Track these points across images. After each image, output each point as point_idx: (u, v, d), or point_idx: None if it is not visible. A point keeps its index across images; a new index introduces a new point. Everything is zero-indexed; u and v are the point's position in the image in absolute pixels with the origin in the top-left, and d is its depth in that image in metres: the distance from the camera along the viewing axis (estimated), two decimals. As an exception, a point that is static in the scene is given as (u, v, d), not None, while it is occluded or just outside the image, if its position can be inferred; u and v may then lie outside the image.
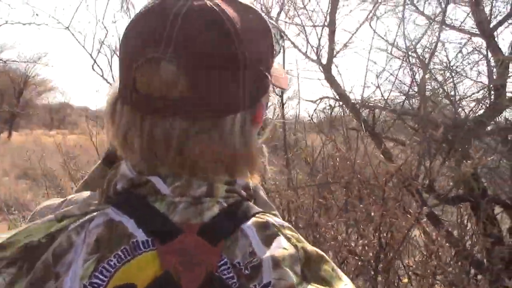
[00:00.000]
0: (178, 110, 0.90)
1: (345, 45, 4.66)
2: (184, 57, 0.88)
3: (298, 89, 7.96)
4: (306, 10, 4.85)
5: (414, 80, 4.58)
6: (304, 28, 4.86)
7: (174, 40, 0.89)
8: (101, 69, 4.46)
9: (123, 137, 0.95)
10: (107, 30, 4.53)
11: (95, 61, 4.47)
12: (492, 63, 5.36)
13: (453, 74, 4.66)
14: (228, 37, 0.90)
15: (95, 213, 0.93)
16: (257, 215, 0.95)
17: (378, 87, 4.63)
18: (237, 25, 0.91)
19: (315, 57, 4.75)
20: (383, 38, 4.69)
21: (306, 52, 4.83)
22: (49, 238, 0.91)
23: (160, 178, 0.93)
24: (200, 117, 0.90)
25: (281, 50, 1.02)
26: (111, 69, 4.23)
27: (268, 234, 0.92)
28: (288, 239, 0.93)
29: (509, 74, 5.29)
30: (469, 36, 5.40)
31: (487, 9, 5.43)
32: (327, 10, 4.68)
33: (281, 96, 5.19)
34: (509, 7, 5.58)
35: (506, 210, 4.78)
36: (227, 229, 0.91)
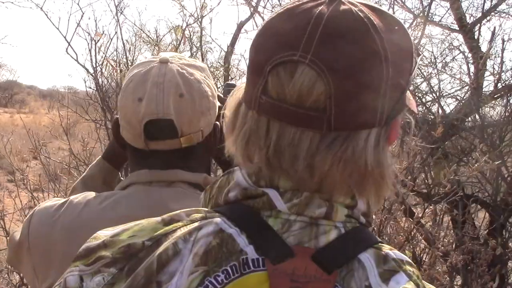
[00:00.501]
0: (312, 119, 0.85)
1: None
2: (325, 63, 0.83)
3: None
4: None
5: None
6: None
7: (315, 44, 0.83)
8: (76, 53, 4.25)
9: (244, 143, 0.91)
10: (83, 12, 4.31)
11: (69, 44, 4.25)
12: (471, 60, 5.36)
13: (437, 70, 4.61)
14: (373, 49, 0.84)
15: (204, 221, 0.89)
16: (376, 246, 0.89)
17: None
18: (384, 37, 0.86)
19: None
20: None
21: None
22: (154, 242, 0.88)
23: (278, 192, 0.88)
24: (333, 129, 0.85)
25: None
26: (90, 53, 4.02)
27: (387, 268, 0.87)
28: (409, 277, 0.87)
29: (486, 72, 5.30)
30: (449, 32, 5.39)
31: (465, 5, 5.42)
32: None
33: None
34: (488, 4, 5.58)
35: (484, 209, 4.80)
36: (343, 258, 0.86)
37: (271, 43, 0.88)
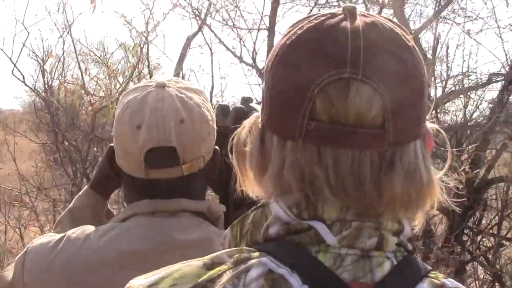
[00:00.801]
0: (373, 138, 0.81)
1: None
2: (378, 77, 0.80)
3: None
4: (240, 11, 4.71)
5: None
6: (237, 30, 4.72)
7: (362, 59, 0.80)
8: (22, 74, 4.09)
9: (286, 177, 0.85)
10: (28, 32, 4.16)
11: (15, 65, 4.10)
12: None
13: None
14: (415, 59, 0.84)
15: (249, 262, 0.82)
16: (431, 275, 0.86)
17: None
18: (414, 46, 0.85)
19: (250, 61, 4.62)
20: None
21: (240, 55, 4.70)
22: None
23: (325, 224, 0.82)
24: (392, 145, 0.82)
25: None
26: (42, 73, 3.87)
27: None
28: None
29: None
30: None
31: (408, 11, 5.51)
32: (262, 13, 4.57)
33: (210, 101, 5.02)
34: (430, 11, 5.69)
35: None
36: None
37: (309, 64, 0.83)
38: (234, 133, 0.96)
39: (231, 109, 1.59)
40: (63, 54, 4.26)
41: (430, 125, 0.90)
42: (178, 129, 1.36)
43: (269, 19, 4.45)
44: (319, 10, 4.65)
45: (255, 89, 5.51)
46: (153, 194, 1.40)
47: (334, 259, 0.82)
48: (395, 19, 4.64)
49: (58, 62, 3.99)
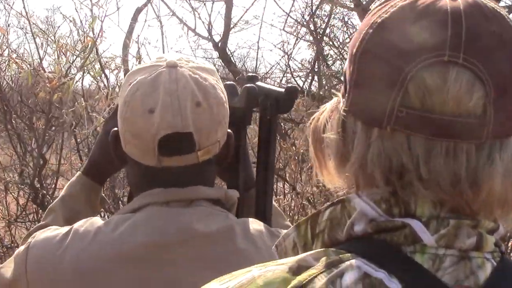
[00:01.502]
0: (471, 128, 0.74)
1: (247, 22, 4.45)
2: (481, 62, 0.73)
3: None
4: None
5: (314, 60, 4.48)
6: (190, 2, 4.57)
7: (464, 42, 0.73)
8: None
9: (371, 167, 0.77)
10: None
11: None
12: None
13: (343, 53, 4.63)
14: None
15: (342, 266, 0.75)
16: None
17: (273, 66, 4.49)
18: None
19: (206, 34, 4.50)
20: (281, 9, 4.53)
21: (195, 29, 4.56)
22: None
23: (421, 222, 0.75)
24: (491, 138, 0.75)
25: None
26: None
27: None
28: None
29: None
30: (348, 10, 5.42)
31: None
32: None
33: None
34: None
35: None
36: None
37: (404, 45, 0.76)
38: (312, 118, 0.88)
39: (238, 88, 1.51)
40: (8, 27, 4.02)
41: None
42: (194, 113, 1.26)
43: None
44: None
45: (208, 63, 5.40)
46: (166, 182, 1.30)
47: (433, 261, 0.75)
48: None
49: (3, 36, 3.76)
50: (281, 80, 4.72)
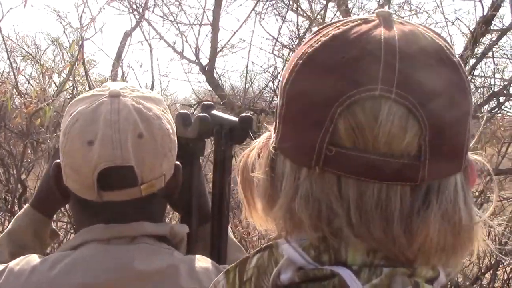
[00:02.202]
0: (405, 170, 0.68)
1: (233, 46, 4.40)
2: (415, 97, 0.68)
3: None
4: (181, 5, 4.52)
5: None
6: (178, 25, 4.53)
7: (397, 75, 0.67)
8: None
9: (298, 210, 0.71)
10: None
11: None
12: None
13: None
14: (459, 76, 0.71)
15: None
16: None
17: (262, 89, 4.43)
18: (459, 61, 0.73)
19: (193, 58, 4.45)
20: (268, 34, 4.48)
21: (182, 52, 4.51)
22: None
23: (351, 270, 0.69)
24: (427, 179, 0.69)
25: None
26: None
27: None
28: None
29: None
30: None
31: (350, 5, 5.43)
32: (204, 7, 4.39)
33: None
34: (374, 3, 5.64)
35: None
36: None
37: (333, 78, 0.70)
38: (242, 154, 0.82)
39: (192, 118, 1.44)
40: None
41: (473, 156, 0.77)
42: (136, 145, 1.19)
43: (212, 14, 4.28)
44: (265, 4, 4.54)
45: (196, 87, 5.36)
46: (108, 217, 1.23)
47: None
48: (339, 14, 4.54)
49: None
50: (270, 103, 4.66)
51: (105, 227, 1.22)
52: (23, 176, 3.89)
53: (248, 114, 1.40)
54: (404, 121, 0.68)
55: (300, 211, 0.71)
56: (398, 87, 0.67)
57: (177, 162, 1.29)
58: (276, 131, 0.77)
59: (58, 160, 1.28)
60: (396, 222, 0.69)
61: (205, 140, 1.45)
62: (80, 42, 3.22)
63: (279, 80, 4.93)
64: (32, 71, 4.41)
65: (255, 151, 0.81)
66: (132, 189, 1.21)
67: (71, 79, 3.72)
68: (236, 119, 1.39)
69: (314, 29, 5.08)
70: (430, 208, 0.69)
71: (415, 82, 0.68)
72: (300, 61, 0.74)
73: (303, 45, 0.76)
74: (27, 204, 1.52)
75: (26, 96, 3.76)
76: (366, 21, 0.73)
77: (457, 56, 0.73)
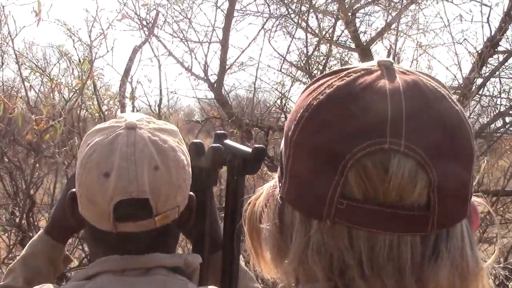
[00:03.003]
0: (415, 220, 0.70)
1: (242, 64, 4.43)
2: (423, 149, 0.69)
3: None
4: (190, 23, 4.56)
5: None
6: (187, 43, 4.56)
7: (405, 127, 0.69)
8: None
9: (310, 261, 0.72)
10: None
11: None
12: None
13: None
14: (464, 124, 0.73)
15: None
16: None
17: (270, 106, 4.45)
18: (462, 109, 0.75)
19: (202, 74, 4.48)
20: (277, 52, 4.49)
21: (191, 69, 4.54)
22: None
23: None
24: (436, 228, 0.71)
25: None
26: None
27: None
28: None
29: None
30: (348, 50, 5.42)
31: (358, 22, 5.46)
32: (213, 25, 4.43)
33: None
34: (382, 21, 5.67)
35: None
36: None
37: (341, 131, 0.71)
38: (248, 202, 0.83)
39: (205, 147, 1.46)
40: (2, 65, 4.01)
41: (474, 198, 0.78)
42: (151, 178, 1.21)
43: (222, 32, 4.31)
44: (275, 22, 4.57)
45: (204, 104, 5.37)
46: (123, 248, 1.25)
47: None
48: (346, 31, 4.54)
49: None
50: (277, 121, 4.69)
51: (119, 258, 1.24)
52: (31, 191, 3.91)
53: (261, 146, 1.41)
54: (414, 174, 0.69)
55: (312, 264, 0.72)
56: (406, 140, 0.69)
57: (191, 193, 1.31)
58: (283, 181, 0.77)
59: (74, 189, 1.30)
60: (408, 273, 0.70)
61: (218, 170, 1.46)
62: (92, 59, 3.24)
63: (287, 98, 4.98)
64: (41, 86, 4.44)
65: (262, 201, 0.82)
66: (147, 221, 1.22)
67: (81, 99, 3.75)
68: (249, 150, 1.41)
69: (322, 47, 5.11)
70: (440, 256, 0.71)
71: (422, 133, 0.70)
72: (306, 113, 0.74)
73: (307, 95, 0.77)
74: (41, 230, 1.54)
75: (35, 109, 3.79)
76: (368, 72, 0.74)
77: (459, 105, 0.75)
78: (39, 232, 1.54)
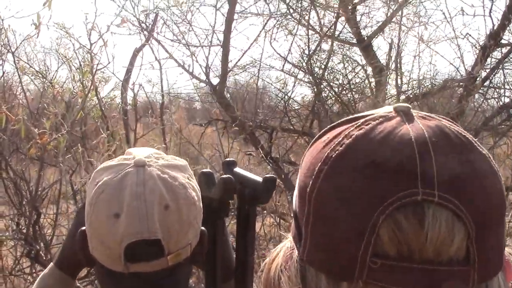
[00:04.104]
0: (455, 276, 0.65)
1: (244, 67, 4.40)
2: (458, 198, 0.64)
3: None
4: (191, 26, 4.52)
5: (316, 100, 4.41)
6: (188, 46, 4.52)
7: (437, 175, 0.64)
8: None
9: None
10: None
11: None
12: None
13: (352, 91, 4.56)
14: (492, 168, 0.69)
15: None
16: None
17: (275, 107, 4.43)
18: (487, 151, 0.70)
19: (204, 78, 4.44)
20: (278, 54, 4.47)
21: (192, 71, 4.51)
22: None
23: None
24: (477, 283, 0.66)
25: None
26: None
27: None
28: None
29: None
30: (349, 46, 5.38)
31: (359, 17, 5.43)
32: (213, 27, 4.39)
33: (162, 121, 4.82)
34: (382, 16, 5.64)
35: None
36: None
37: (368, 184, 0.65)
38: (264, 264, 0.78)
39: (215, 177, 1.43)
40: (2, 75, 3.99)
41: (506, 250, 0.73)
42: (162, 218, 1.18)
43: (223, 34, 4.27)
44: (276, 22, 4.53)
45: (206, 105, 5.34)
46: (135, 287, 1.23)
47: None
48: (347, 27, 4.50)
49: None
50: (280, 122, 4.65)
51: None
52: (37, 204, 3.89)
53: (272, 175, 1.38)
54: (451, 225, 0.64)
55: None
56: (439, 189, 0.64)
57: (203, 228, 1.29)
58: (302, 242, 0.72)
59: (84, 228, 1.27)
60: None
61: (229, 200, 1.44)
62: (94, 72, 3.22)
63: (289, 98, 4.95)
64: (42, 93, 4.41)
65: (280, 263, 0.77)
66: (159, 261, 1.20)
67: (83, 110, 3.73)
68: (259, 179, 1.38)
69: (324, 44, 5.08)
70: None
71: (455, 181, 0.65)
72: (326, 167, 0.69)
73: (322, 146, 0.72)
74: (52, 264, 1.52)
75: (37, 119, 3.77)
76: (387, 118, 0.69)
77: (484, 148, 0.70)
78: (49, 265, 1.52)
